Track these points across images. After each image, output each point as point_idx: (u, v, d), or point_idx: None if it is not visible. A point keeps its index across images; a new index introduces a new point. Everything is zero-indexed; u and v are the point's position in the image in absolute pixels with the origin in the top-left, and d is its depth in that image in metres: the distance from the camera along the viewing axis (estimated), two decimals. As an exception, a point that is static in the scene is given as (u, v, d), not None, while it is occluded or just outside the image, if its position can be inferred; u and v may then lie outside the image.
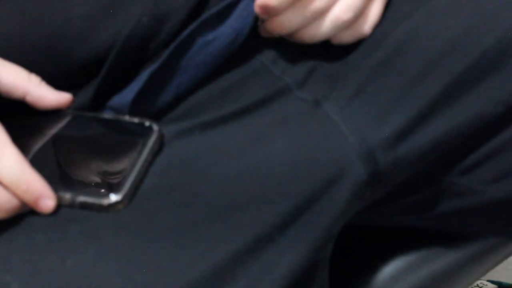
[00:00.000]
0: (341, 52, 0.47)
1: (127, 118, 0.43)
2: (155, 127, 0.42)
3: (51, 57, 0.43)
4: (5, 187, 0.37)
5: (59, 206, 0.39)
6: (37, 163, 0.39)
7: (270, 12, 0.44)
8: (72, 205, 0.39)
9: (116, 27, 0.42)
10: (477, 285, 0.94)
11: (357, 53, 0.47)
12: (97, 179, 0.40)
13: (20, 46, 0.43)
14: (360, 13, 0.45)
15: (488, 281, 0.94)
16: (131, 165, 0.40)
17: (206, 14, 0.43)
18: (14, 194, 0.37)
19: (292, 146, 0.42)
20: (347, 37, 0.46)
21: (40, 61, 0.43)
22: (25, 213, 0.38)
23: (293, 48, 0.47)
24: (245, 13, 0.44)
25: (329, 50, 0.47)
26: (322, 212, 0.41)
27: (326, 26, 0.45)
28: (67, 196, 0.38)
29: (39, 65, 0.43)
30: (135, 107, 0.43)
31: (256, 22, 0.46)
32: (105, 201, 0.38)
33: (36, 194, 0.37)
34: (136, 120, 0.43)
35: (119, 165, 0.40)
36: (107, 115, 0.44)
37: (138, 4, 0.42)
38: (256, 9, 0.44)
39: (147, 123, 0.43)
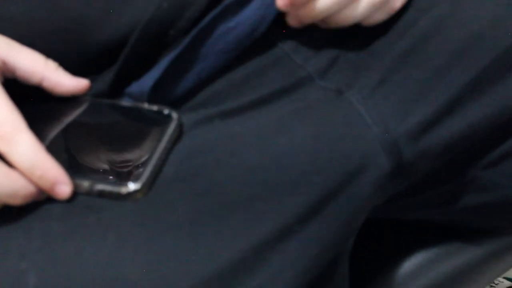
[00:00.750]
0: (364, 40, 0.46)
1: (145, 105, 0.42)
2: (174, 115, 0.41)
3: (69, 41, 0.42)
4: (21, 172, 0.36)
5: (77, 194, 0.38)
6: (54, 150, 0.38)
7: (296, 4, 0.43)
8: (89, 193, 0.38)
9: (136, 12, 0.41)
10: (493, 282, 0.93)
11: (381, 42, 0.46)
12: (115, 167, 0.39)
13: (37, 30, 0.42)
14: None
15: (504, 278, 0.93)
16: (150, 154, 0.39)
17: (228, 0, 0.42)
18: (30, 180, 0.36)
19: (314, 136, 0.41)
20: (379, 16, 0.45)
21: (57, 45, 0.42)
22: (43, 200, 0.38)
23: (315, 36, 0.46)
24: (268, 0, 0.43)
25: (352, 38, 0.46)
26: (345, 204, 0.40)
27: (363, 7, 0.44)
28: (85, 183, 0.38)
29: (56, 50, 0.42)
30: (154, 94, 0.42)
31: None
32: (123, 190, 0.37)
33: (52, 180, 0.37)
34: (155, 108, 0.42)
35: (137, 153, 0.39)
36: (126, 102, 0.43)
37: None
38: (279, 3, 0.43)
39: (166, 111, 0.42)
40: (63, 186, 0.37)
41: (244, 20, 0.43)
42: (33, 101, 0.42)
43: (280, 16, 0.45)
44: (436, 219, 0.55)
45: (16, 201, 0.36)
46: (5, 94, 0.37)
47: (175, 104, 0.43)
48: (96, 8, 0.41)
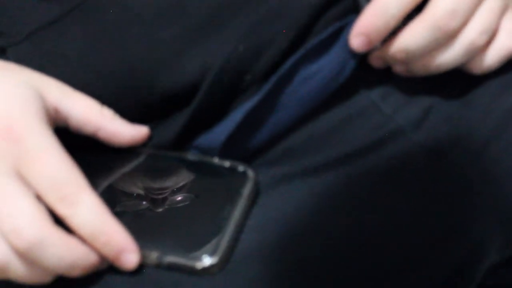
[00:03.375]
0: (460, 90, 0.41)
1: (216, 161, 0.37)
2: (251, 173, 0.36)
3: (129, 86, 0.37)
4: (83, 239, 0.32)
5: (143, 266, 0.33)
6: (112, 211, 0.33)
7: (373, 42, 0.38)
8: (158, 265, 0.33)
9: (206, 54, 0.37)
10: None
11: (481, 94, 0.40)
12: (187, 236, 0.34)
13: (95, 73, 0.37)
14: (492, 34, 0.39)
15: None
16: (225, 219, 0.34)
17: (310, 42, 0.37)
18: (93, 247, 0.32)
19: (415, 215, 0.36)
20: (492, 60, 0.39)
21: (117, 90, 0.37)
22: (103, 271, 0.33)
23: (405, 83, 0.41)
24: None
25: (446, 87, 0.41)
26: None
27: (457, 51, 0.38)
28: (153, 255, 0.33)
29: (114, 95, 0.37)
30: (226, 148, 0.37)
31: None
32: (198, 264, 0.32)
33: (119, 248, 0.32)
34: (227, 163, 0.37)
35: (211, 220, 0.34)
36: (192, 155, 0.38)
37: (233, 28, 0.37)
38: (354, 42, 0.38)
39: (241, 168, 0.37)
40: (130, 255, 0.32)
41: (327, 64, 0.38)
42: (86, 152, 0.37)
43: (365, 59, 0.40)
44: None
45: (75, 272, 0.32)
46: (62, 148, 0.33)
47: (248, 159, 0.38)
48: (160, 49, 0.37)
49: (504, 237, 0.38)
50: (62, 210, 0.31)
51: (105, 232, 0.32)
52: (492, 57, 0.39)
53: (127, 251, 0.32)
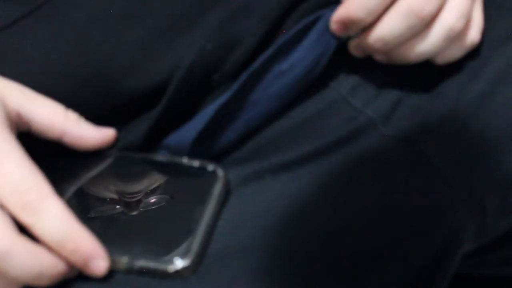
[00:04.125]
0: (428, 80, 0.41)
1: (185, 160, 0.37)
2: (220, 172, 0.36)
3: (96, 88, 0.36)
4: (49, 247, 0.31)
5: (113, 272, 0.32)
6: (82, 217, 0.33)
7: (352, 27, 0.37)
8: (129, 270, 0.32)
9: (174, 55, 0.36)
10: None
11: (449, 84, 0.40)
12: (158, 239, 0.33)
13: (59, 75, 0.36)
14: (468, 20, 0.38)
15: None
16: (196, 221, 0.33)
17: (282, 39, 0.37)
18: (60, 255, 0.31)
19: (390, 200, 0.36)
20: (455, 52, 0.39)
21: (82, 92, 0.36)
22: (73, 280, 0.32)
23: (374, 75, 0.40)
24: (328, 34, 0.38)
25: (413, 78, 0.41)
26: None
27: (436, 37, 0.37)
28: (123, 259, 0.32)
29: (80, 97, 0.36)
30: (196, 147, 0.36)
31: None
32: (170, 267, 0.31)
33: (86, 255, 0.31)
34: (196, 163, 0.36)
35: (182, 222, 0.34)
36: (161, 156, 0.37)
37: (201, 27, 0.36)
38: (333, 26, 0.37)
39: (210, 167, 0.36)
40: (99, 261, 0.31)
41: (298, 61, 0.37)
42: (49, 156, 0.36)
43: (333, 54, 0.40)
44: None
45: (42, 282, 0.31)
46: (25, 154, 0.32)
47: (218, 157, 0.38)
48: (127, 51, 0.36)
49: (477, 226, 0.38)
50: (26, 218, 0.30)
51: (71, 240, 0.30)
52: (455, 48, 0.39)
53: (95, 258, 0.31)
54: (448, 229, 0.37)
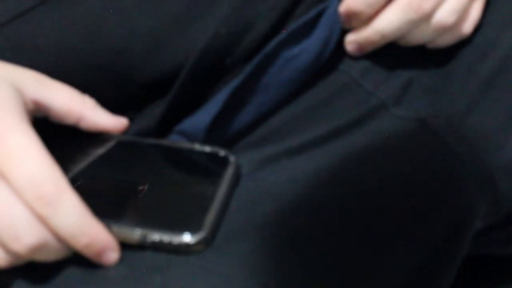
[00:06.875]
0: (438, 62, 0.41)
1: (197, 146, 0.37)
2: (232, 157, 0.36)
3: (110, 75, 0.37)
4: (63, 240, 0.30)
5: (127, 246, 0.32)
6: (95, 196, 0.33)
7: (354, 19, 0.38)
8: (142, 244, 0.32)
9: (187, 41, 0.36)
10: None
11: (459, 64, 0.41)
12: (171, 215, 0.33)
13: (74, 63, 0.36)
14: (462, 15, 0.39)
15: None
16: (208, 199, 0.34)
17: (293, 24, 0.37)
18: (73, 247, 0.31)
19: (404, 175, 0.36)
20: (448, 39, 0.40)
21: (97, 80, 0.37)
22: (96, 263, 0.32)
23: (384, 58, 0.41)
24: (332, 21, 0.38)
25: (423, 60, 0.41)
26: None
27: (427, 32, 0.39)
28: (137, 233, 0.32)
29: (94, 85, 0.37)
30: (210, 131, 0.37)
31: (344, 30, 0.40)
32: (184, 240, 0.31)
33: (100, 249, 0.31)
34: (208, 149, 0.37)
35: (194, 200, 0.34)
36: (173, 142, 0.38)
37: (213, 15, 0.36)
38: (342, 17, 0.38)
39: (222, 153, 0.36)
40: (110, 253, 0.31)
41: (309, 46, 0.38)
42: (61, 139, 0.36)
43: (343, 38, 0.40)
44: None
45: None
46: (43, 146, 0.31)
47: (232, 141, 0.38)
48: (141, 39, 0.36)
49: (487, 205, 0.39)
50: (41, 210, 0.30)
51: (86, 234, 0.30)
52: (446, 38, 0.40)
53: (108, 251, 0.31)
54: (461, 204, 0.37)
